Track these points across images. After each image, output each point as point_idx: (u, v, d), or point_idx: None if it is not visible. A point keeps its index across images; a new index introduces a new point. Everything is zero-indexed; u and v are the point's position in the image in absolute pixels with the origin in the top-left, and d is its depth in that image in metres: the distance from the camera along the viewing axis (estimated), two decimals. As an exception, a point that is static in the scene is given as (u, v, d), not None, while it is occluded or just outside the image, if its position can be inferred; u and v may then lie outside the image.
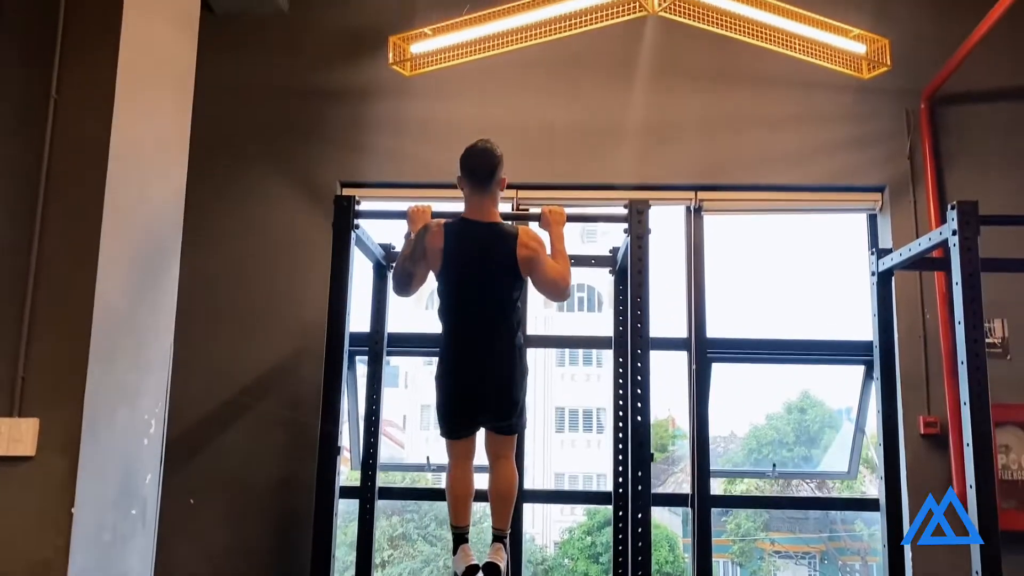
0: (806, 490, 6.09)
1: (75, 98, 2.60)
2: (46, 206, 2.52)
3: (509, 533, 3.04)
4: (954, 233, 2.75)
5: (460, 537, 2.97)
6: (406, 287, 3.01)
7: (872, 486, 4.94)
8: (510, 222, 3.02)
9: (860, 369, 3.90)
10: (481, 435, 3.02)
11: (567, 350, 11.39)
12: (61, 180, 2.54)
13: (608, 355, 3.69)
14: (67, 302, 2.47)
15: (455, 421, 2.97)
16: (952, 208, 2.77)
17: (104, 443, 2.51)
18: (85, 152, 2.56)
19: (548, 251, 2.98)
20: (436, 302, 3.04)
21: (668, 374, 3.83)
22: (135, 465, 2.71)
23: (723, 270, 4.00)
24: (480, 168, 2.98)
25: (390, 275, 3.57)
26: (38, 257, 2.49)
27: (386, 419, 3.66)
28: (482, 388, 2.90)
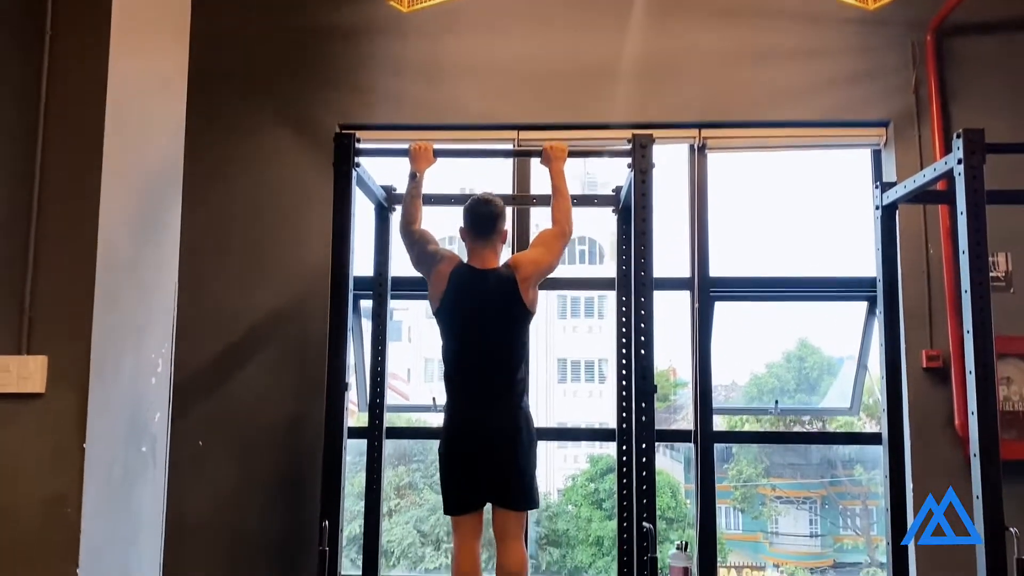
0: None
1: (71, 35, 2.57)
2: (45, 144, 2.50)
3: None
4: (959, 162, 2.73)
5: None
6: (412, 244, 3.05)
7: (871, 429, 4.97)
8: (504, 265, 3.03)
9: (862, 307, 3.91)
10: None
11: (568, 302, 11.40)
12: (59, 118, 2.52)
13: (609, 306, 3.70)
14: (70, 240, 2.47)
15: (461, 496, 2.90)
16: (958, 136, 2.74)
17: (112, 381, 2.53)
18: (82, 90, 2.53)
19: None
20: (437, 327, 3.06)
21: (669, 321, 3.84)
22: (144, 403, 2.74)
23: (726, 209, 3.98)
24: (482, 219, 3.02)
25: (393, 217, 3.58)
26: (39, 196, 2.48)
27: (391, 372, 3.69)
28: (489, 459, 2.85)
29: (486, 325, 2.92)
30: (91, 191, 2.48)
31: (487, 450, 2.86)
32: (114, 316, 2.53)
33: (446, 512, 2.93)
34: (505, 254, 3.18)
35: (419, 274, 3.12)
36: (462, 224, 3.07)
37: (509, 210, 3.87)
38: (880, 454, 3.37)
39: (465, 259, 3.07)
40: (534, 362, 3.12)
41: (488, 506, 2.96)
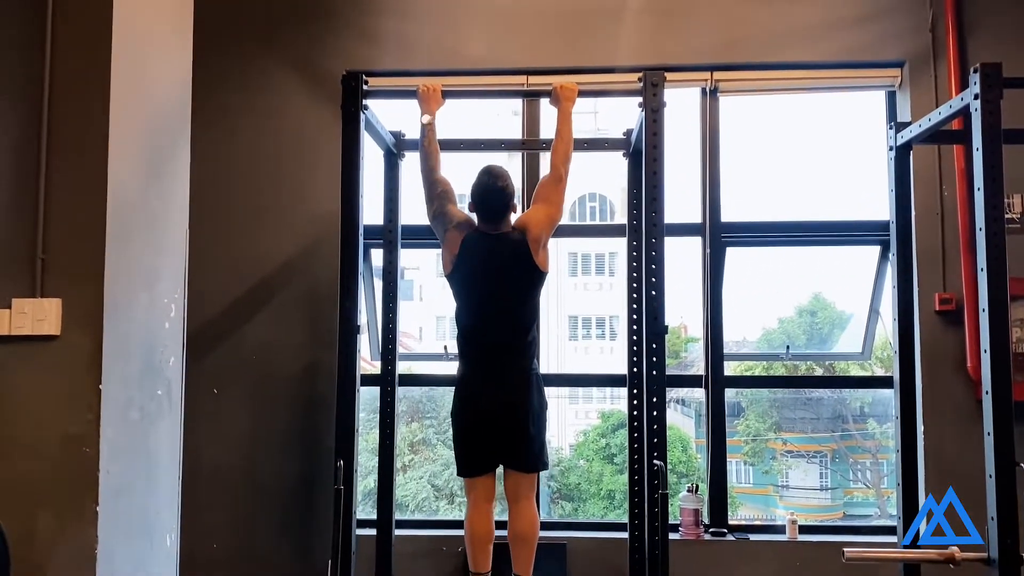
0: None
1: (74, -23, 2.54)
2: (52, 88, 2.50)
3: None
4: (976, 97, 2.67)
5: None
6: (432, 196, 3.05)
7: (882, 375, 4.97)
8: (513, 227, 3.03)
9: (875, 252, 3.88)
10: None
11: (579, 260, 11.39)
12: (65, 62, 2.51)
13: (620, 262, 3.69)
14: (81, 184, 2.47)
15: (473, 458, 2.93)
16: (975, 71, 2.69)
17: (126, 323, 2.55)
18: (88, 32, 2.52)
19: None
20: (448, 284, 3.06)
21: (680, 275, 3.82)
22: (158, 347, 2.76)
23: (738, 154, 3.94)
24: (494, 207, 3.00)
25: (403, 164, 3.57)
26: (48, 141, 2.49)
27: (403, 331, 3.71)
28: (501, 421, 2.88)
29: (498, 288, 2.93)
30: (99, 135, 2.48)
31: (499, 414, 2.89)
32: (126, 259, 2.55)
33: (459, 474, 2.97)
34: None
35: (428, 221, 3.11)
36: (471, 200, 3.04)
37: (518, 160, 3.87)
38: (891, 404, 3.36)
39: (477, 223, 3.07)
40: (545, 319, 3.13)
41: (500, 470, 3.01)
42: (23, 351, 2.42)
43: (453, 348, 4.05)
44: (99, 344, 2.41)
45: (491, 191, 2.98)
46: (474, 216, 3.06)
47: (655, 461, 2.62)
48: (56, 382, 2.41)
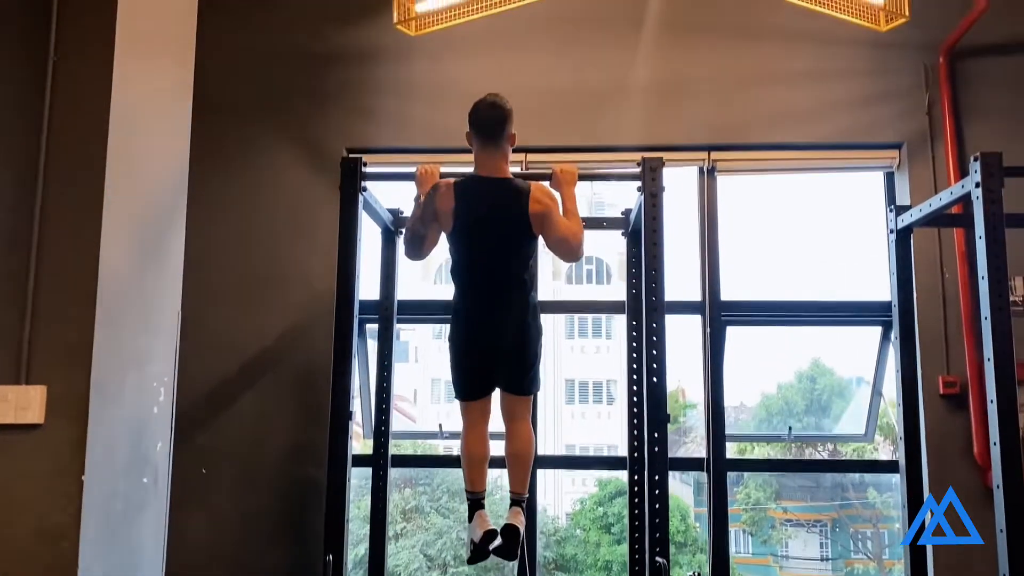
0: (818, 457, 6.07)
1: (74, 59, 2.55)
2: (47, 168, 2.48)
3: (527, 497, 3.00)
4: (977, 185, 2.68)
5: (476, 503, 2.92)
6: (418, 249, 2.96)
7: (884, 453, 4.90)
8: (523, 180, 2.96)
9: (877, 331, 3.84)
10: (496, 400, 2.97)
11: (576, 323, 11.37)
12: (62, 142, 2.51)
13: (617, 326, 3.66)
14: (71, 266, 2.44)
15: (470, 381, 2.94)
16: (975, 160, 2.69)
17: (113, 410, 2.48)
18: (86, 114, 2.51)
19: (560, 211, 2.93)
20: (446, 274, 3.00)
21: (679, 343, 3.78)
22: (146, 433, 2.69)
23: (737, 232, 3.93)
24: (489, 121, 2.93)
25: (400, 240, 3.54)
26: (40, 221, 2.46)
27: (397, 394, 3.64)
28: (497, 345, 2.87)
29: (495, 227, 2.86)
30: (92, 217, 2.46)
31: (496, 341, 2.87)
32: (115, 345, 2.49)
33: (457, 397, 2.96)
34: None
35: (426, 296, 3.07)
36: (468, 129, 2.97)
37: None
38: (893, 478, 3.29)
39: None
40: (542, 383, 3.06)
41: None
42: (4, 440, 2.35)
43: (448, 427, 4.00)
44: (84, 433, 2.35)
45: (485, 105, 2.94)
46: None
47: (657, 558, 2.53)
48: (36, 473, 2.34)
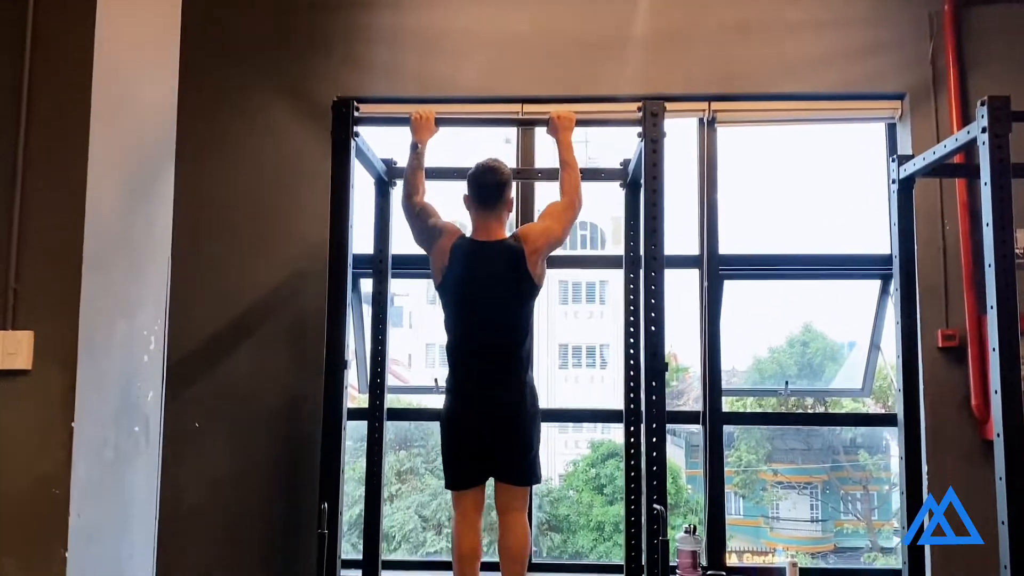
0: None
1: (55, -2, 2.46)
2: (30, 111, 2.40)
3: None
4: (984, 130, 2.62)
5: None
6: (412, 217, 2.94)
7: (877, 412, 4.89)
8: (512, 236, 2.92)
9: (874, 287, 3.80)
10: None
11: (570, 288, 11.32)
12: (44, 86, 2.42)
13: (611, 291, 3.61)
14: (57, 211, 2.37)
15: (461, 468, 2.82)
16: (982, 104, 2.63)
17: (102, 357, 2.43)
18: (69, 53, 2.42)
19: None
20: (439, 311, 2.96)
21: (673, 305, 3.74)
22: (136, 381, 2.64)
23: (736, 186, 3.87)
24: (488, 187, 2.89)
25: (394, 192, 3.48)
26: (24, 165, 2.38)
27: (392, 358, 3.60)
28: (492, 433, 2.76)
29: (491, 299, 2.82)
30: (78, 159, 2.38)
31: (490, 423, 2.77)
32: (104, 290, 2.43)
33: (447, 486, 2.84)
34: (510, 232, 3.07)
35: (421, 251, 3.02)
36: (466, 193, 2.95)
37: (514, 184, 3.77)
38: (883, 438, 3.28)
39: (468, 232, 2.97)
40: (535, 348, 3.01)
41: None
42: (-8, 386, 2.29)
43: (443, 381, 3.96)
44: (73, 379, 2.30)
45: (484, 170, 2.91)
46: (463, 228, 2.97)
47: (655, 505, 2.51)
48: (26, 419, 2.29)
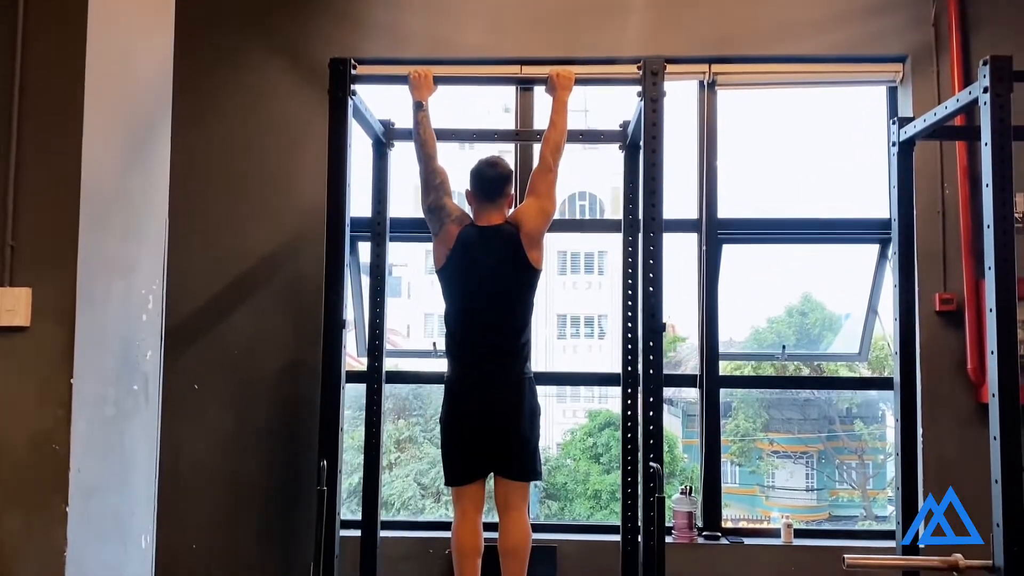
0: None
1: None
2: (24, 66, 2.36)
3: None
4: (985, 91, 2.60)
5: None
6: (429, 189, 2.94)
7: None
8: (507, 222, 2.95)
9: (872, 252, 3.81)
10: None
11: (568, 258, 11.32)
12: (38, 38, 2.38)
13: (609, 261, 3.62)
14: (53, 167, 2.34)
15: (462, 466, 2.81)
16: (984, 63, 2.61)
17: (101, 314, 2.43)
18: (63, 15, 2.38)
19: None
20: (437, 281, 2.98)
21: (670, 274, 3.73)
22: (134, 340, 2.64)
23: (735, 149, 3.85)
24: (490, 184, 2.93)
25: (391, 153, 3.46)
26: (19, 120, 2.35)
27: (391, 328, 3.60)
28: (491, 427, 2.76)
29: (490, 286, 2.83)
30: (73, 116, 2.35)
31: (490, 418, 2.78)
32: (101, 248, 2.42)
33: (447, 483, 2.85)
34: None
35: (418, 214, 3.01)
36: (468, 188, 2.98)
37: (511, 150, 3.76)
38: (879, 408, 3.30)
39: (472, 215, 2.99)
40: (534, 317, 3.01)
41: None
42: (-10, 343, 2.29)
43: (442, 345, 3.96)
44: (71, 336, 2.29)
45: (488, 165, 2.95)
46: (470, 211, 2.98)
47: (651, 463, 2.52)
48: (25, 376, 2.28)
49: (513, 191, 3.02)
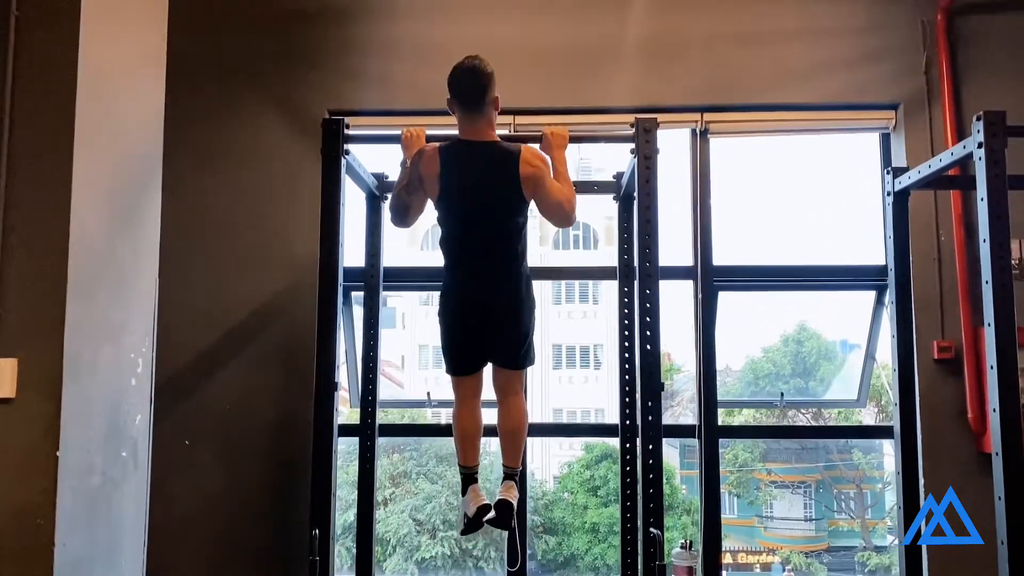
0: (803, 420, 6.05)
1: (39, 14, 2.41)
2: (12, 130, 2.35)
3: (520, 471, 2.94)
4: (980, 146, 2.60)
5: (469, 478, 2.86)
6: (404, 217, 2.85)
7: (868, 417, 4.89)
8: (511, 142, 2.85)
9: (869, 296, 3.78)
10: (488, 372, 2.89)
11: (563, 288, 11.34)
12: (27, 102, 2.37)
13: (604, 291, 3.59)
14: (41, 235, 2.32)
15: (461, 356, 2.86)
16: (978, 119, 2.61)
17: (88, 383, 2.39)
18: (52, 73, 2.37)
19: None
20: (433, 241, 2.90)
21: (665, 307, 3.71)
22: (123, 405, 2.60)
23: (729, 196, 3.85)
24: (470, 88, 2.79)
25: (385, 206, 3.43)
26: (7, 187, 2.33)
27: (385, 360, 3.57)
28: (488, 319, 2.78)
29: (484, 193, 2.77)
30: (62, 180, 2.34)
31: (488, 313, 2.79)
32: (89, 314, 2.39)
33: (448, 372, 2.88)
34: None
35: (412, 263, 2.98)
36: (448, 96, 2.83)
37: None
38: (877, 441, 3.26)
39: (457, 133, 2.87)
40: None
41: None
42: (-26, 415, 2.25)
43: (436, 394, 3.93)
44: (58, 407, 2.25)
45: (464, 72, 2.79)
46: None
47: (652, 529, 2.48)
48: (9, 447, 2.25)
49: (497, 93, 2.85)
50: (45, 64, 2.39)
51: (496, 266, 2.78)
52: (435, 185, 2.78)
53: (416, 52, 3.73)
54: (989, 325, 2.56)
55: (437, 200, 2.82)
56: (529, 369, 2.97)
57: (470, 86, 2.79)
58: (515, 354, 2.83)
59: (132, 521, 2.65)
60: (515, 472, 2.88)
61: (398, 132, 2.92)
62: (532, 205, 2.82)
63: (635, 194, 2.77)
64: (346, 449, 3.68)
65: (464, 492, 2.84)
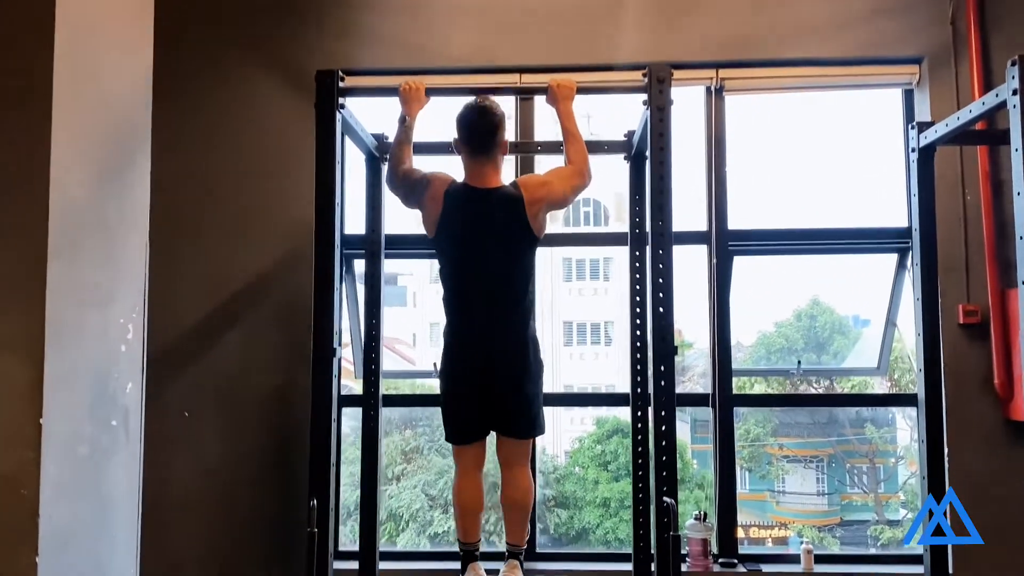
0: (813, 393, 5.91)
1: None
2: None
3: (525, 549, 2.81)
4: (1015, 92, 2.44)
5: (470, 555, 2.75)
6: (397, 186, 2.78)
7: (880, 388, 4.75)
8: (512, 184, 2.75)
9: (889, 261, 3.63)
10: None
11: (574, 265, 11.21)
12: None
13: (615, 268, 3.46)
14: (18, 193, 2.19)
15: (462, 422, 2.72)
16: (1012, 64, 2.45)
17: (73, 348, 2.27)
18: (26, 26, 2.24)
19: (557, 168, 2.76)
20: (435, 269, 2.82)
21: (679, 278, 3.59)
22: (113, 372, 2.48)
23: (745, 157, 3.69)
24: (480, 132, 2.70)
25: (384, 167, 3.30)
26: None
27: (396, 337, 3.47)
28: (493, 385, 2.64)
29: (488, 248, 2.67)
30: (40, 138, 2.20)
31: (491, 377, 2.66)
32: (73, 276, 2.27)
33: (448, 440, 2.76)
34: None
35: (418, 230, 2.86)
36: (456, 137, 2.76)
37: (511, 160, 3.61)
38: (889, 411, 3.14)
39: (460, 179, 2.79)
40: (539, 325, 2.86)
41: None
42: (-49, 381, 2.14)
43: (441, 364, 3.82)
44: (40, 372, 2.13)
45: (475, 112, 2.73)
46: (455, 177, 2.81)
47: (664, 499, 2.36)
48: (-10, 416, 2.13)
49: (507, 138, 2.81)
50: (20, 16, 2.25)
51: (501, 326, 2.67)
52: (433, 225, 2.71)
53: (414, 9, 3.62)
54: (1022, 283, 2.42)
55: (433, 238, 2.74)
56: (541, 344, 2.81)
57: (480, 128, 2.70)
58: (520, 421, 2.69)
59: (125, 493, 2.55)
60: (520, 550, 2.76)
61: (396, 84, 2.78)
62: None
63: (647, 151, 2.63)
64: (357, 424, 3.58)
65: (464, 570, 2.71)
